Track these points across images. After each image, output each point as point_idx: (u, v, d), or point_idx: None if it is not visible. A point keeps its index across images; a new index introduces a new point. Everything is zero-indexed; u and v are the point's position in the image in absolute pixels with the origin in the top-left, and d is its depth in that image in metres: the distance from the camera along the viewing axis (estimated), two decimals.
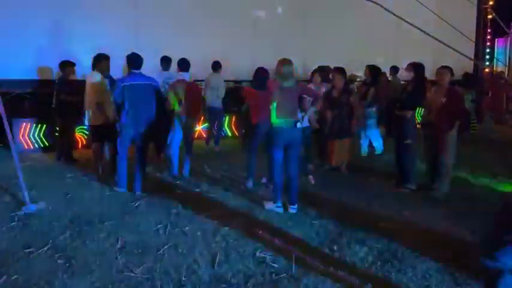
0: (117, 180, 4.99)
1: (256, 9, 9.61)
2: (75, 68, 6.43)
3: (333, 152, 5.87)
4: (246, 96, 5.22)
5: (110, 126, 5.29)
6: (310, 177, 5.48)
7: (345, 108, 5.76)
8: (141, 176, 4.98)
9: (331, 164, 5.96)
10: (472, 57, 9.09)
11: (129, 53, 4.98)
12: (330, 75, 6.17)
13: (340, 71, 5.90)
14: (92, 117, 5.30)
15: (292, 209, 4.40)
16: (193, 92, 5.59)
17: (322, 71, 6.32)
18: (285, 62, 4.31)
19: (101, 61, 5.42)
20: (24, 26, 7.02)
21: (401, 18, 2.24)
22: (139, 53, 5.00)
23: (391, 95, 8.30)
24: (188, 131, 5.64)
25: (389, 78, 9.16)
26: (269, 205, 4.48)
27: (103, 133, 5.38)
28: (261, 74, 5.15)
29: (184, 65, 5.54)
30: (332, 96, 5.78)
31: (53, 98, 6.31)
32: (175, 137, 5.55)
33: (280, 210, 4.40)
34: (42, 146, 7.19)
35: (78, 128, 7.25)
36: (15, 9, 6.97)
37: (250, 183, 5.22)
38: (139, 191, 4.91)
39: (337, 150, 5.84)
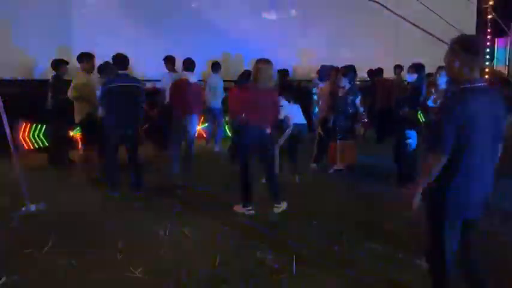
0: (109, 184, 4.89)
1: (256, 10, 9.61)
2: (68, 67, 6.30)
3: (336, 154, 5.77)
4: (229, 96, 5.25)
5: (98, 128, 5.28)
6: (297, 177, 5.47)
7: (349, 109, 5.65)
8: (138, 176, 4.97)
9: (335, 165, 5.87)
10: None
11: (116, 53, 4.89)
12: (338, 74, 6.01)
13: (347, 69, 5.79)
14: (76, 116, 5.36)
15: (277, 209, 4.31)
16: (193, 92, 5.58)
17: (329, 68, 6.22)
18: (265, 64, 4.15)
19: (82, 60, 5.31)
20: (22, 25, 7.02)
21: (402, 17, 2.23)
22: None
23: (386, 95, 8.33)
24: (188, 130, 5.63)
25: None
26: (239, 208, 4.36)
27: (92, 134, 5.33)
28: (245, 75, 5.22)
29: (188, 64, 5.55)
30: (337, 95, 5.65)
31: (47, 99, 6.16)
32: (176, 137, 5.55)
33: (252, 213, 4.29)
34: (42, 146, 7.18)
35: (77, 127, 7.23)
36: (15, 9, 6.96)
37: None
38: (139, 191, 4.90)
39: (341, 152, 5.74)
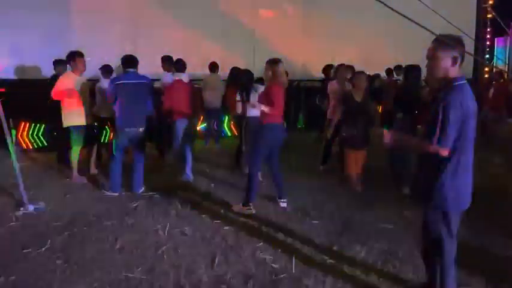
0: (110, 184, 4.89)
1: (256, 9, 9.60)
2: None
3: (351, 164, 5.24)
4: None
5: (90, 129, 5.32)
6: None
7: (368, 115, 5.21)
8: (140, 176, 4.96)
9: (348, 175, 5.36)
10: (472, 57, 9.06)
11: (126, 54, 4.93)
12: (349, 76, 5.78)
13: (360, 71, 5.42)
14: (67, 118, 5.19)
15: (283, 203, 4.50)
16: (190, 93, 5.56)
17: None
18: (281, 66, 4.25)
19: (74, 59, 5.11)
20: (22, 25, 7.01)
21: (403, 15, 2.22)
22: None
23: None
24: (188, 131, 5.61)
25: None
26: (239, 207, 4.35)
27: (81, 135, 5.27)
28: (234, 73, 5.39)
29: (179, 65, 5.52)
30: (355, 101, 5.11)
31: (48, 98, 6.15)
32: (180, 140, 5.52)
33: (252, 212, 4.28)
34: (41, 146, 7.17)
35: None
36: (14, 9, 6.95)
37: None
38: (139, 191, 4.89)
39: (355, 162, 5.25)
